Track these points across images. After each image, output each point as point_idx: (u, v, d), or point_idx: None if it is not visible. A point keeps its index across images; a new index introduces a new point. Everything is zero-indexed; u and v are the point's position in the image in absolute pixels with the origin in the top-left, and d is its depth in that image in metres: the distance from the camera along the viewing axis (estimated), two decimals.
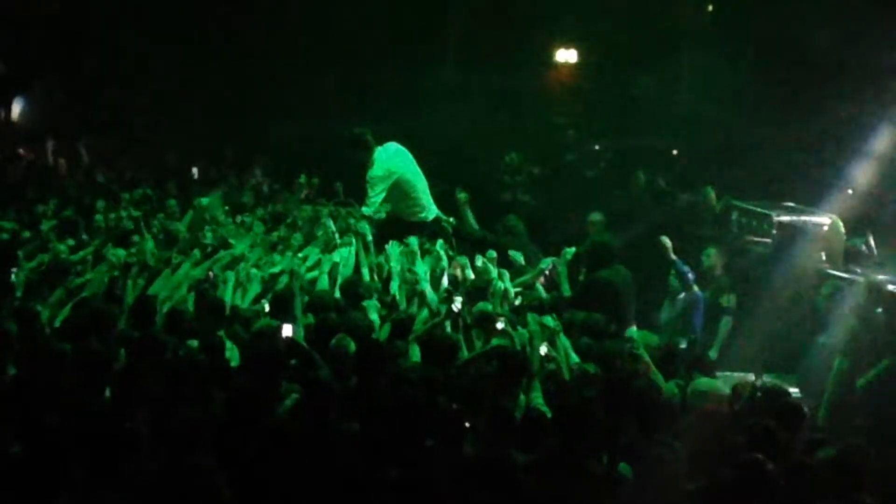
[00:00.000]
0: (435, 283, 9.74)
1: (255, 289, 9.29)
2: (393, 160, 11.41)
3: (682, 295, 11.42)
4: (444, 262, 10.28)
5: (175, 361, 7.34)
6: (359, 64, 18.42)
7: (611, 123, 18.55)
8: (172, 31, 18.01)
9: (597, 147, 18.61)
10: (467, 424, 6.59)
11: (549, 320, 8.71)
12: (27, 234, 11.38)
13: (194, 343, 7.80)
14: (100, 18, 18.00)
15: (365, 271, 10.07)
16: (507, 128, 18.24)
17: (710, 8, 19.00)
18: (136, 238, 11.16)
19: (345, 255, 10.19)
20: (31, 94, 19.35)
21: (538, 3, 18.58)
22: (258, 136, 17.92)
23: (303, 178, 14.55)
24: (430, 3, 19.04)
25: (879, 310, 9.85)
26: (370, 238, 10.66)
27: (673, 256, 11.32)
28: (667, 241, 11.41)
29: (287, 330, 8.14)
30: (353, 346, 7.76)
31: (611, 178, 16.65)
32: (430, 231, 11.38)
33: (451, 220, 11.66)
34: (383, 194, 11.29)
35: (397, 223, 11.39)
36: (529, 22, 18.85)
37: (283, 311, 8.62)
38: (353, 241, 10.46)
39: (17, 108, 19.29)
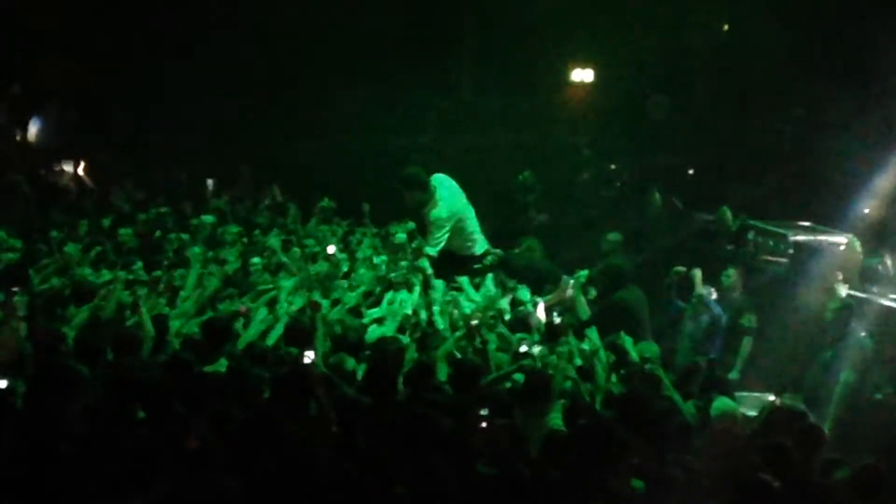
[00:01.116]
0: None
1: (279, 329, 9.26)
2: (453, 198, 11.31)
3: (705, 315, 11.39)
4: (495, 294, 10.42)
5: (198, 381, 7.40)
6: (375, 84, 18.46)
7: (626, 142, 18.54)
8: (187, 49, 18.10)
9: (612, 166, 18.61)
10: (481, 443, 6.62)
11: (594, 333, 8.87)
12: (46, 256, 11.42)
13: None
14: (114, 38, 18.07)
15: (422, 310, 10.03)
16: (523, 147, 18.26)
17: (726, 27, 19.00)
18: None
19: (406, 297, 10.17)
20: (47, 115, 19.43)
21: (554, 23, 18.61)
22: (273, 155, 17.96)
23: (325, 202, 14.58)
24: (447, 22, 19.11)
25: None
26: (430, 272, 10.64)
27: (699, 285, 11.29)
28: (697, 272, 11.38)
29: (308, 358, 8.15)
30: (350, 363, 7.85)
31: (626, 198, 16.66)
32: (479, 265, 11.36)
33: (499, 251, 11.63)
34: (448, 235, 11.20)
35: (448, 258, 11.33)
36: (545, 41, 18.90)
37: (301, 341, 8.60)
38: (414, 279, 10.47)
39: (32, 129, 19.38)
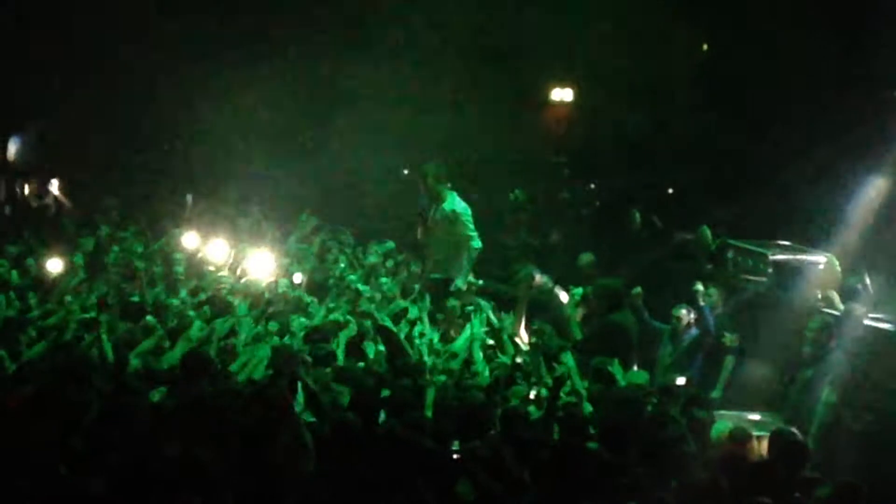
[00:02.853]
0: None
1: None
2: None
3: (691, 333, 11.37)
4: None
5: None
6: (355, 102, 18.46)
7: (606, 162, 18.56)
8: (170, 69, 18.04)
9: (592, 185, 18.63)
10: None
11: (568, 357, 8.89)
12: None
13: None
14: (95, 57, 17.98)
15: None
16: (504, 166, 18.26)
17: (705, 46, 19.06)
18: None
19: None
20: (27, 134, 19.32)
21: (534, 43, 18.63)
22: (256, 174, 17.89)
23: (304, 217, 14.55)
24: (427, 42, 19.10)
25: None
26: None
27: (702, 302, 11.29)
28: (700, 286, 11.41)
29: None
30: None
31: (606, 217, 16.66)
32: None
33: (479, 281, 11.63)
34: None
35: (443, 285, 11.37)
36: (525, 61, 18.91)
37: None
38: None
39: (12, 148, 19.26)
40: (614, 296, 10.99)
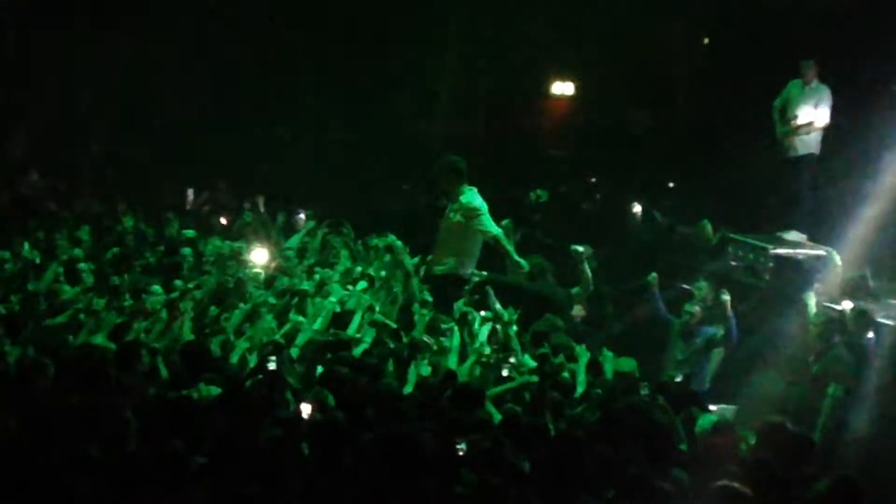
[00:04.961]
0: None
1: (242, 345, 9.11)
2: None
3: (703, 330, 11.24)
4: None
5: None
6: (354, 95, 18.48)
7: (606, 156, 18.54)
8: (166, 67, 18.07)
9: (592, 179, 18.61)
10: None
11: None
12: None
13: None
14: (93, 53, 17.99)
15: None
16: (505, 161, 18.26)
17: (706, 41, 19.05)
18: None
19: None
20: (28, 128, 19.33)
21: (535, 37, 18.64)
22: (250, 171, 17.88)
23: (307, 213, 14.54)
24: (427, 36, 19.12)
25: (870, 335, 9.88)
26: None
27: (730, 313, 11.13)
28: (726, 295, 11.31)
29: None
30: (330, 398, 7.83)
31: (606, 211, 16.65)
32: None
33: (484, 273, 11.56)
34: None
35: (453, 280, 11.30)
36: (527, 55, 18.92)
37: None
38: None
39: (13, 142, 19.26)
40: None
